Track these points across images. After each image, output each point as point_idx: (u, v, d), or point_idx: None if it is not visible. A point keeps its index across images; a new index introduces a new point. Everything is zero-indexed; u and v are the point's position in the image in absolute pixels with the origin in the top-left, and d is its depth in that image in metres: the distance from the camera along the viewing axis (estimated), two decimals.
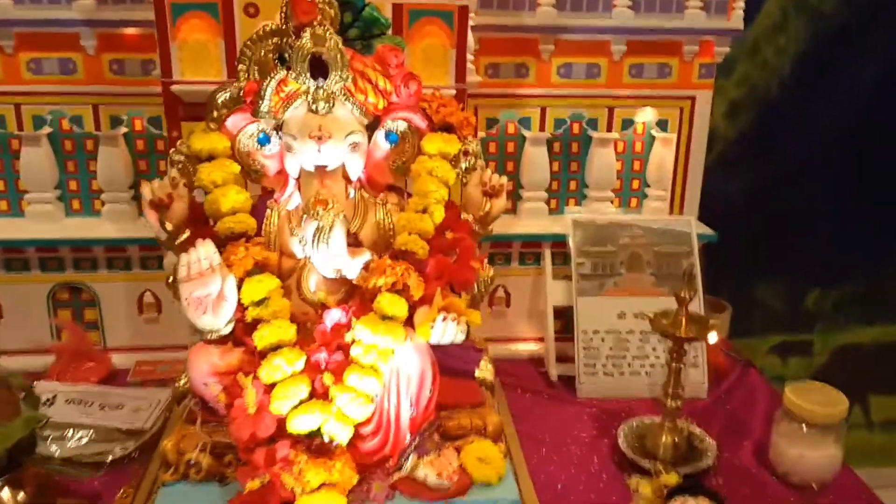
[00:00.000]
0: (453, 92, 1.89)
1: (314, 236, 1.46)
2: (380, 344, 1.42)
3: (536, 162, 2.29)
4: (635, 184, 2.41)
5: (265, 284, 1.47)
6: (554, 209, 2.39)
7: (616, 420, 2.00)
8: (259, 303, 1.46)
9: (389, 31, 1.63)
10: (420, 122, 1.61)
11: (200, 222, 1.57)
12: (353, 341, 1.44)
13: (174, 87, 1.84)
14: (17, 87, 2.09)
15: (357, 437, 1.44)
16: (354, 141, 1.53)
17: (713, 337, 1.72)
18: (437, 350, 1.56)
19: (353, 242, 1.57)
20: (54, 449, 1.87)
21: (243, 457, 1.42)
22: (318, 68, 1.48)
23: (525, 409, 2.13)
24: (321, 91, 1.49)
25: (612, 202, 2.38)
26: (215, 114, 1.59)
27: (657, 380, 2.02)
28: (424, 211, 1.55)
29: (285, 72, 1.50)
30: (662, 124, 2.30)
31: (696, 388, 2.17)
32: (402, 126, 1.60)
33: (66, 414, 1.99)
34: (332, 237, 1.46)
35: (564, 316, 2.28)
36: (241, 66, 1.59)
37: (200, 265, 1.42)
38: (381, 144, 1.60)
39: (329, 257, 1.47)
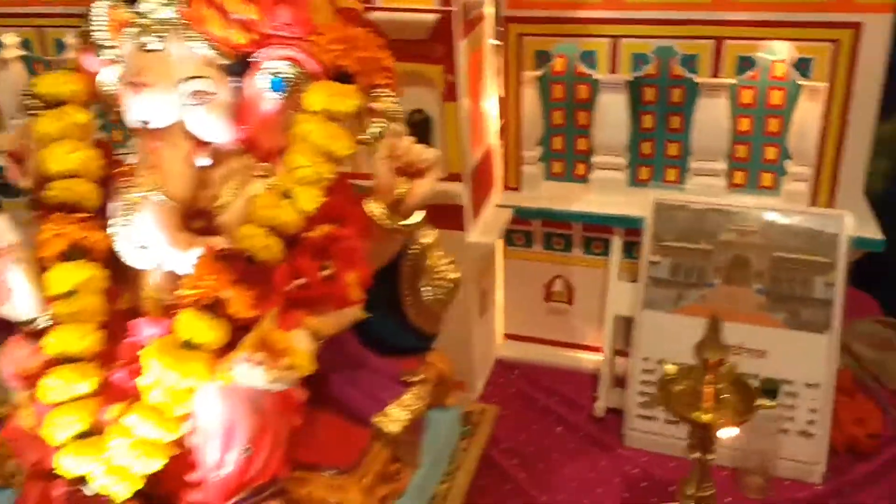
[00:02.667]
0: (435, 17, 1.35)
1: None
2: (166, 380, 1.03)
3: (610, 115, 1.64)
4: (770, 153, 1.64)
5: (73, 275, 1.14)
6: (645, 180, 1.73)
7: (664, 494, 1.44)
8: (66, 296, 1.13)
9: None
10: (311, 63, 1.13)
11: None
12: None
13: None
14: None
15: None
16: (196, 89, 1.10)
17: (728, 432, 1.05)
18: (342, 375, 1.14)
19: (208, 228, 1.16)
20: None
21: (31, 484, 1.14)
22: None
23: (542, 450, 1.63)
24: (146, 20, 1.07)
25: (727, 177, 1.65)
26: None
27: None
28: (288, 195, 1.10)
29: None
30: (803, 67, 1.49)
31: (803, 471, 1.48)
32: (287, 69, 1.13)
33: None
34: (138, 223, 1.08)
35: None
36: None
37: None
38: (267, 94, 1.15)
39: (131, 246, 1.10)
